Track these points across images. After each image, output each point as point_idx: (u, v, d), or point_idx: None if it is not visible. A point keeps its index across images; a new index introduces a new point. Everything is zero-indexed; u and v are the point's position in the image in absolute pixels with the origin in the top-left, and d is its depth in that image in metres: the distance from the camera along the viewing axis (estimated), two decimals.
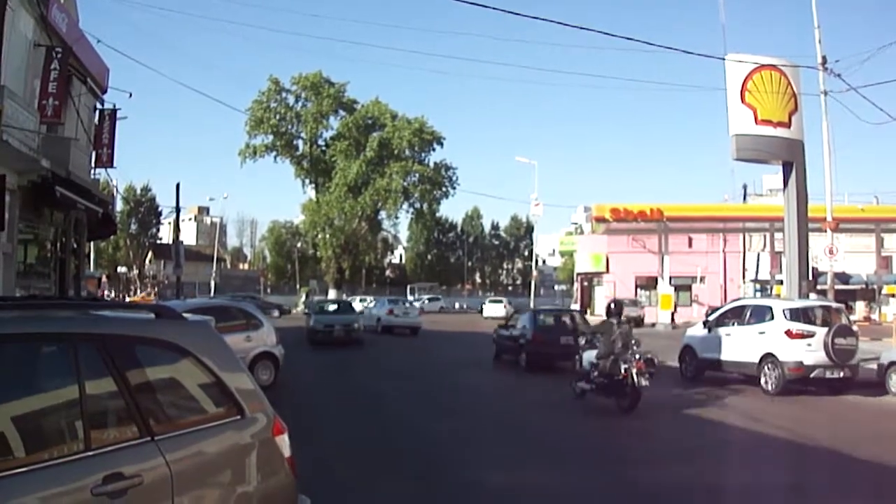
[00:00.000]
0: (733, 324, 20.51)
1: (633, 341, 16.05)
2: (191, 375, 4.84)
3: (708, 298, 57.38)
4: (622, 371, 15.18)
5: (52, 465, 3.86)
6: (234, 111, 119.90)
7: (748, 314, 20.34)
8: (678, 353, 22.51)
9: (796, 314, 18.93)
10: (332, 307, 39.28)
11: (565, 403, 16.51)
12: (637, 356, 15.41)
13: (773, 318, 19.07)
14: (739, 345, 19.69)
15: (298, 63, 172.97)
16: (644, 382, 15.10)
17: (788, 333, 18.39)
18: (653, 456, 11.50)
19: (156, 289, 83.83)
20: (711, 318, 21.94)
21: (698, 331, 22.00)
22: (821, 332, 18.25)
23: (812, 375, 18.04)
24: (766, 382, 18.51)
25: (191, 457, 4.51)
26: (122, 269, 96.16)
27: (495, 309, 62.85)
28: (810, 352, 18.03)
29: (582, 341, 18.28)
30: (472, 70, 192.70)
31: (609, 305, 17.52)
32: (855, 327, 19.82)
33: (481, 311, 68.71)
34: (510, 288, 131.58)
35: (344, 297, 79.57)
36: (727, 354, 20.08)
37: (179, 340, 4.82)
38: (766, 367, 18.61)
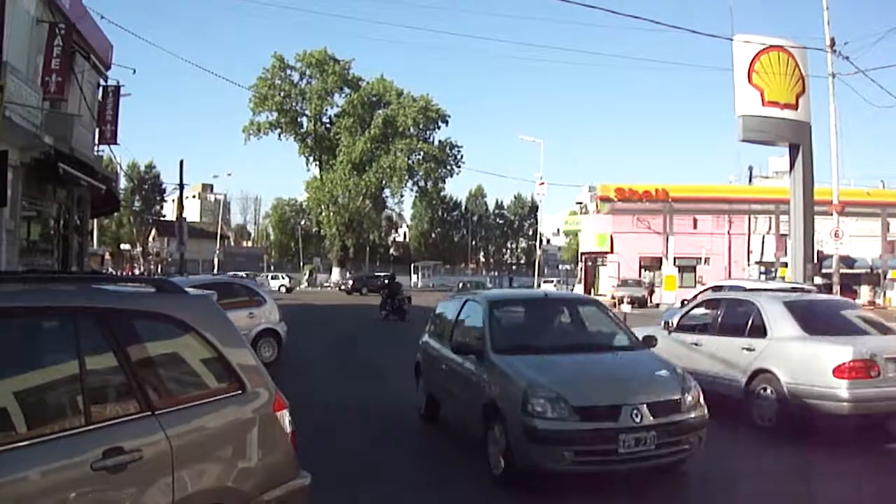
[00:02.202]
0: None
1: (403, 294, 34.66)
2: (192, 350, 4.82)
3: (712, 280, 57.32)
4: (398, 303, 33.40)
5: (52, 439, 3.86)
6: (239, 88, 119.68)
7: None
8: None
9: None
10: (561, 313, 10.95)
11: None
12: (404, 299, 34.04)
13: None
14: None
15: (303, 40, 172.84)
16: (405, 308, 33.28)
17: None
18: None
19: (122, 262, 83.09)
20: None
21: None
22: None
23: None
24: None
25: (191, 431, 4.51)
26: (125, 246, 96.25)
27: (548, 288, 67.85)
28: None
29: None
30: (478, 48, 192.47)
31: (389, 279, 38.18)
32: None
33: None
34: (514, 267, 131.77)
35: (347, 274, 79.48)
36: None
37: (181, 314, 4.81)
38: None
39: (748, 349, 11.64)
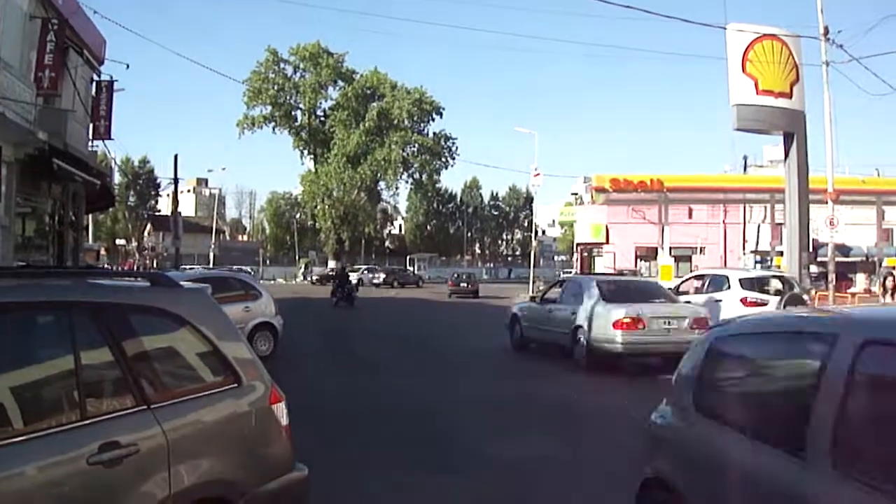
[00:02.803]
0: (694, 292, 21.94)
1: (351, 283, 39.76)
2: (188, 344, 4.83)
3: (705, 269, 57.26)
4: (347, 292, 38.40)
5: (47, 434, 3.85)
6: (233, 82, 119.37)
7: (707, 283, 21.95)
8: None
9: (750, 283, 20.62)
10: None
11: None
12: (353, 287, 39.95)
13: (729, 287, 20.54)
14: None
15: (297, 33, 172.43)
16: (353, 295, 38.82)
17: (743, 301, 19.56)
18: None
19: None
20: (674, 286, 23.31)
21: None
22: (773, 300, 19.75)
23: None
24: None
25: (187, 425, 4.52)
26: (120, 242, 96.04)
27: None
28: None
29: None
30: (471, 39, 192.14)
31: (338, 270, 45.45)
32: (806, 297, 21.42)
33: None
34: (510, 258, 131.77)
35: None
36: None
37: (176, 308, 4.81)
38: None
39: (573, 312, 17.35)
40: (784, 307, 18.65)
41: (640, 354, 16.62)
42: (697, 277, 23.35)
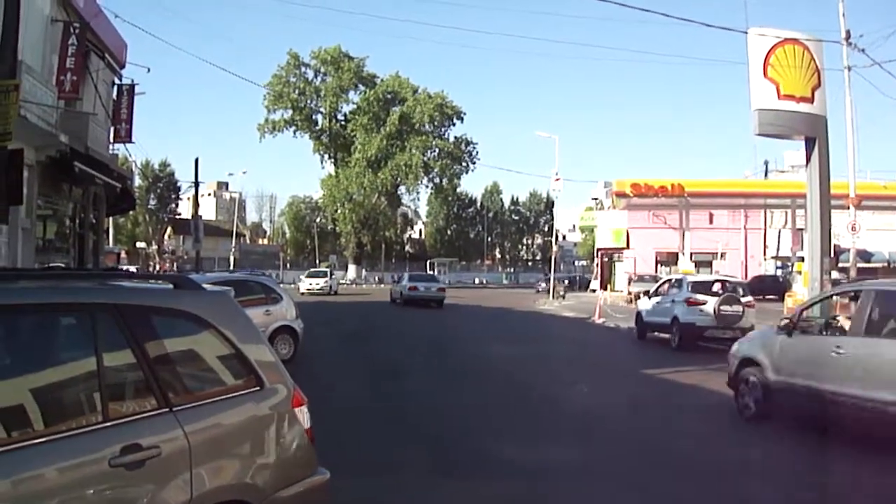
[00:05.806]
0: (665, 292, 25.46)
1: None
2: (210, 346, 4.82)
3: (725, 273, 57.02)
4: None
5: (69, 436, 3.85)
6: (254, 86, 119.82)
7: (671, 286, 25.54)
8: (634, 317, 27.97)
9: (697, 286, 24.07)
10: None
11: None
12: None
13: (682, 288, 24.04)
14: (662, 310, 24.59)
15: (318, 37, 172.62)
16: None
17: (687, 301, 23.13)
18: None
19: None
20: (654, 288, 27.59)
21: (647, 299, 27.07)
22: (712, 300, 22.77)
23: (705, 335, 22.60)
24: (672, 339, 23.44)
25: (209, 428, 4.51)
26: (141, 245, 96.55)
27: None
28: (702, 316, 22.69)
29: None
30: (493, 43, 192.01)
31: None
32: (746, 298, 23.88)
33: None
34: (529, 263, 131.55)
35: (364, 272, 79.86)
36: (655, 318, 25.23)
37: (199, 311, 4.80)
38: (673, 328, 23.46)
39: (400, 285, 46.68)
40: (719, 306, 22.27)
41: (418, 299, 42.27)
42: (667, 281, 27.07)
